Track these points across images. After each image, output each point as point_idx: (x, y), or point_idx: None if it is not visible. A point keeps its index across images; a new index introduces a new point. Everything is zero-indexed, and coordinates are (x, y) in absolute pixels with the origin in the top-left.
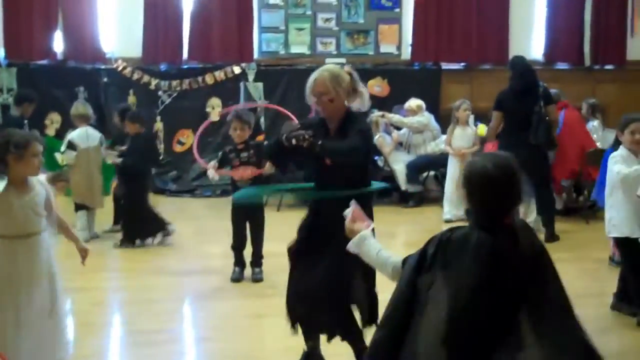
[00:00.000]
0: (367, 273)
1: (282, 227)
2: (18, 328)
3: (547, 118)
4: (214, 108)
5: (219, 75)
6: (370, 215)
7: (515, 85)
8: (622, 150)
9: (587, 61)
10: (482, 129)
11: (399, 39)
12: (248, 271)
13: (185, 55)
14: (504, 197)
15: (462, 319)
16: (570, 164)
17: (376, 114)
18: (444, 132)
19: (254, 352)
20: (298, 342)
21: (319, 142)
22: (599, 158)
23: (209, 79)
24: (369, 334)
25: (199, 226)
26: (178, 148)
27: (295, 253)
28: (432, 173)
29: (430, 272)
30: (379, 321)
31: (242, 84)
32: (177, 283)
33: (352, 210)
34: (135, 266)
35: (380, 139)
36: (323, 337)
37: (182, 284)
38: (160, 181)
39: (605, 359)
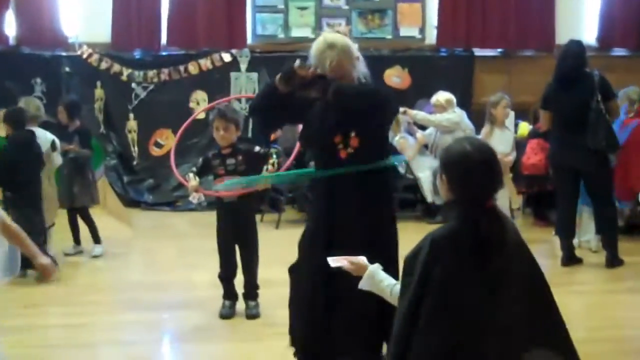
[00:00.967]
0: None
1: (282, 249)
2: None
3: (606, 116)
4: (199, 103)
5: (205, 63)
6: (388, 201)
7: (556, 75)
8: None
9: None
10: (524, 128)
11: (423, 20)
12: (241, 305)
13: (164, 40)
14: (486, 178)
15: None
16: (633, 183)
17: None
18: (478, 131)
19: None
20: None
21: (333, 84)
22: None
23: (192, 68)
24: None
25: (181, 247)
26: (155, 151)
27: (305, 259)
28: None
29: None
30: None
31: (233, 75)
32: (153, 320)
33: (336, 260)
34: (101, 298)
35: (402, 140)
36: None
37: (159, 321)
38: (134, 191)
39: None
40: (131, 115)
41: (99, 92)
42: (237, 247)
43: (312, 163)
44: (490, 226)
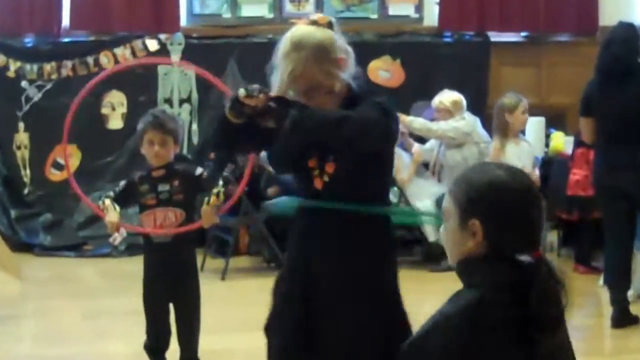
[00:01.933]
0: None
1: (231, 308)
2: None
3: None
4: (115, 108)
5: (123, 54)
6: (389, 258)
7: (599, 69)
8: None
9: None
10: (559, 139)
11: None
12: None
13: (65, 21)
14: (535, 217)
15: None
16: None
17: None
18: None
19: None
20: None
21: (292, 110)
22: None
23: (106, 60)
24: None
25: (90, 308)
26: (54, 175)
27: (278, 315)
28: None
29: None
30: None
31: (161, 69)
32: None
33: None
34: None
35: None
36: None
37: None
38: (25, 230)
39: None
40: (21, 126)
41: None
42: (171, 307)
43: (270, 190)
44: (545, 293)
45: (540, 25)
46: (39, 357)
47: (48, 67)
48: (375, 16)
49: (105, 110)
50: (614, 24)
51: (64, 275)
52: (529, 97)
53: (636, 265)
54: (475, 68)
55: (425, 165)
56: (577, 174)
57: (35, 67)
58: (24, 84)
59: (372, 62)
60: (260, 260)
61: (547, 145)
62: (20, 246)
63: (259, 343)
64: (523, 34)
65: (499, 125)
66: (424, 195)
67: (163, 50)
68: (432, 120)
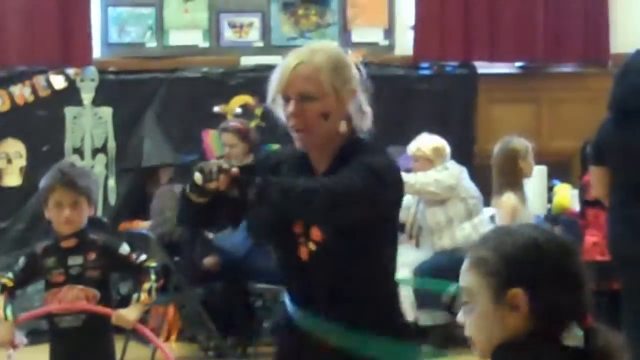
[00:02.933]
0: None
1: None
2: None
3: None
4: (11, 161)
5: (21, 92)
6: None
7: (613, 101)
8: None
9: None
10: (564, 193)
11: (390, 17)
12: None
13: None
14: (579, 275)
15: None
16: None
17: None
18: (487, 198)
19: None
20: None
21: (256, 181)
22: None
23: (0, 101)
24: None
25: None
26: None
27: None
28: None
29: None
30: None
31: (69, 111)
32: None
33: None
34: None
35: None
36: None
37: None
38: None
39: None
40: None
41: None
42: None
43: (207, 260)
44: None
45: (538, 54)
46: None
47: None
48: (335, 44)
49: None
50: (628, 51)
51: None
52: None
53: None
54: (459, 106)
55: (401, 226)
56: (594, 235)
57: None
58: None
59: None
60: (195, 348)
61: (549, 200)
62: None
63: None
64: (518, 64)
65: (499, 173)
66: (399, 264)
67: (71, 88)
68: (408, 171)
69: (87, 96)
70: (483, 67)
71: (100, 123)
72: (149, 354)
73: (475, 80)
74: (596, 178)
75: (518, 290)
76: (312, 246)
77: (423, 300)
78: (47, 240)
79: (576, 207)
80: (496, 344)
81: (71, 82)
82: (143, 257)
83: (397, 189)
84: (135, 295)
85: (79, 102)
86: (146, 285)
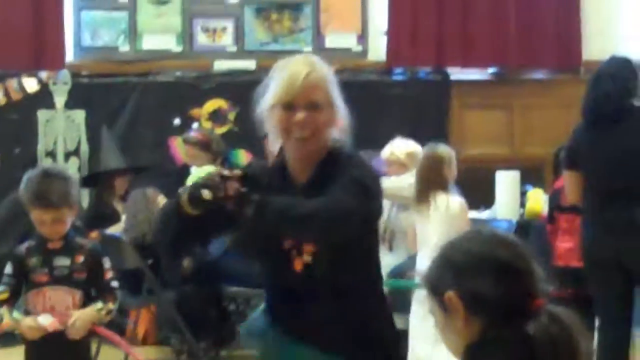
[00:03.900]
0: None
1: None
2: None
3: None
4: None
5: None
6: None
7: (587, 112)
8: None
9: None
10: (537, 198)
11: (363, 22)
12: None
13: None
14: (516, 270)
15: None
16: None
17: None
18: (473, 199)
19: None
20: None
21: (254, 197)
22: None
23: None
24: None
25: None
26: None
27: None
28: None
29: None
30: None
31: (42, 115)
32: None
33: None
34: None
35: None
36: None
37: None
38: None
39: None
40: None
41: None
42: None
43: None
44: (552, 349)
45: (511, 60)
46: None
47: None
48: (308, 49)
49: None
50: (600, 58)
51: None
52: (499, 147)
53: (635, 353)
54: (432, 112)
55: None
56: (568, 241)
57: None
58: None
59: None
60: (168, 351)
61: (522, 205)
62: None
63: None
64: (490, 70)
65: (435, 182)
66: None
67: (44, 92)
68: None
69: (59, 99)
70: (456, 73)
71: (73, 126)
72: (122, 357)
73: (448, 86)
74: (569, 183)
75: (450, 292)
76: (306, 258)
77: (396, 303)
78: (31, 240)
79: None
80: (462, 351)
81: (44, 85)
82: (116, 283)
83: (381, 199)
84: (99, 305)
85: (51, 106)
86: (111, 305)
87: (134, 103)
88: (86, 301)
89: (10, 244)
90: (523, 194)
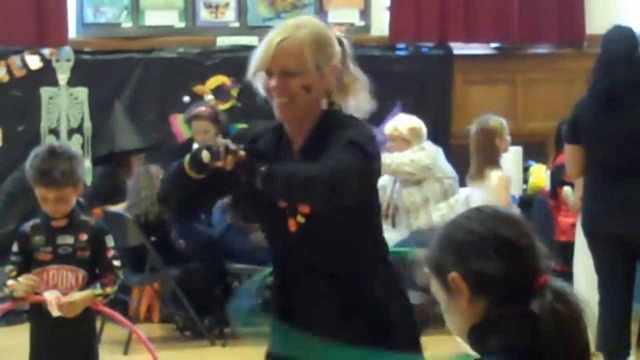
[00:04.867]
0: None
1: None
2: None
3: None
4: None
5: None
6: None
7: (593, 85)
8: None
9: None
10: (539, 173)
11: None
12: None
13: None
14: (518, 248)
15: None
16: None
17: None
18: (463, 180)
19: None
20: None
21: (262, 167)
22: None
23: None
24: None
25: None
26: None
27: None
28: None
29: None
30: None
31: (45, 92)
32: None
33: None
34: None
35: None
36: None
37: None
38: None
39: None
40: None
41: None
42: None
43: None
44: (556, 325)
45: (514, 35)
46: None
47: None
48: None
49: None
50: (603, 31)
51: None
52: None
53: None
54: (435, 87)
55: None
56: (571, 216)
57: None
58: None
59: None
60: (172, 328)
61: (525, 180)
62: None
63: None
64: (493, 45)
65: (489, 153)
66: None
67: (47, 69)
68: (384, 151)
69: (62, 76)
70: (458, 48)
71: (76, 103)
72: (125, 335)
73: (451, 61)
74: (570, 157)
75: (453, 273)
76: (300, 219)
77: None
78: (36, 219)
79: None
80: (467, 331)
81: (47, 62)
82: (118, 262)
83: (379, 158)
84: (97, 289)
85: (54, 83)
86: (109, 290)
87: (136, 79)
88: (90, 280)
89: (16, 220)
90: (526, 169)
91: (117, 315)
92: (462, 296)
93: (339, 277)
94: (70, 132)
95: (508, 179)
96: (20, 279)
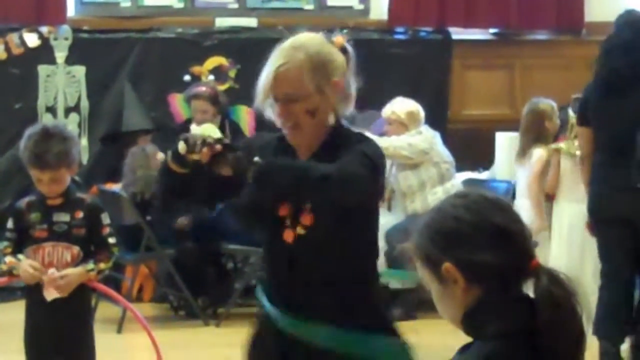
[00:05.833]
0: None
1: None
2: None
3: None
4: None
5: None
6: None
7: (603, 72)
8: None
9: None
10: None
11: None
12: None
13: None
14: (510, 233)
15: None
16: None
17: None
18: (459, 165)
19: None
20: None
21: (255, 160)
22: None
23: None
24: None
25: None
26: None
27: None
28: None
29: None
30: None
31: (42, 69)
32: None
33: None
34: None
35: None
36: None
37: None
38: None
39: None
40: None
41: None
42: None
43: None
44: (553, 307)
45: (513, 21)
46: None
47: None
48: (310, 7)
49: None
50: (602, 19)
51: None
52: (499, 108)
53: None
54: (433, 72)
55: None
56: None
57: None
58: None
59: None
60: (166, 307)
61: None
62: None
63: None
64: (492, 30)
65: (537, 135)
66: None
67: (45, 47)
68: (381, 135)
69: (60, 55)
70: (457, 33)
71: (74, 82)
72: (119, 313)
73: (449, 46)
74: (581, 138)
75: (447, 264)
76: (300, 230)
77: (393, 263)
78: (31, 196)
79: None
80: (460, 318)
81: (45, 40)
82: (114, 239)
83: (384, 175)
84: (90, 265)
85: (52, 61)
86: (102, 266)
87: (134, 59)
88: (85, 257)
89: (12, 198)
90: None
91: (113, 293)
92: (457, 285)
93: (334, 286)
94: (67, 111)
95: (546, 158)
96: (24, 262)
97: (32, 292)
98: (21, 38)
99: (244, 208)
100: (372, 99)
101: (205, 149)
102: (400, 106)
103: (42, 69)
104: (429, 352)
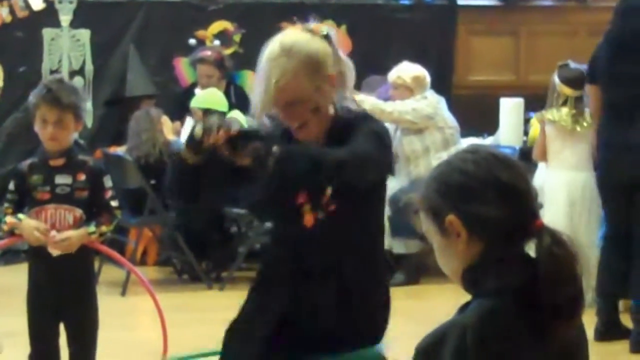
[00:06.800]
0: None
1: (134, 330)
2: None
3: None
4: None
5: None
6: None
7: (611, 32)
8: None
9: None
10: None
11: None
12: None
13: None
14: (518, 192)
15: None
16: None
17: None
18: (466, 128)
19: None
20: None
21: (275, 147)
22: None
23: None
24: None
25: None
26: None
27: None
28: None
29: None
30: None
31: (47, 33)
32: None
33: None
34: None
35: None
36: None
37: None
38: None
39: None
40: None
41: None
42: (61, 328)
43: None
44: (554, 266)
45: None
46: None
47: None
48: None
49: None
50: None
51: None
52: (504, 74)
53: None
54: (439, 38)
55: None
56: None
57: None
58: None
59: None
60: (169, 271)
61: (525, 132)
62: None
63: None
64: None
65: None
66: None
67: (50, 10)
68: (387, 100)
69: (65, 18)
70: None
71: (78, 45)
72: (123, 276)
73: (455, 12)
74: (591, 96)
75: (451, 216)
76: (321, 215)
77: (396, 228)
78: (34, 158)
79: None
80: (460, 273)
81: (49, 3)
82: (116, 202)
83: (392, 151)
84: (92, 227)
85: (57, 24)
86: (104, 228)
87: (139, 23)
88: (87, 220)
89: (16, 160)
90: (527, 121)
91: (117, 255)
92: (459, 239)
93: (346, 274)
94: (72, 74)
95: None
96: (27, 222)
97: (35, 254)
98: (26, 1)
99: (260, 201)
100: (377, 64)
101: (221, 132)
102: (407, 71)
103: (47, 32)
104: (431, 316)
